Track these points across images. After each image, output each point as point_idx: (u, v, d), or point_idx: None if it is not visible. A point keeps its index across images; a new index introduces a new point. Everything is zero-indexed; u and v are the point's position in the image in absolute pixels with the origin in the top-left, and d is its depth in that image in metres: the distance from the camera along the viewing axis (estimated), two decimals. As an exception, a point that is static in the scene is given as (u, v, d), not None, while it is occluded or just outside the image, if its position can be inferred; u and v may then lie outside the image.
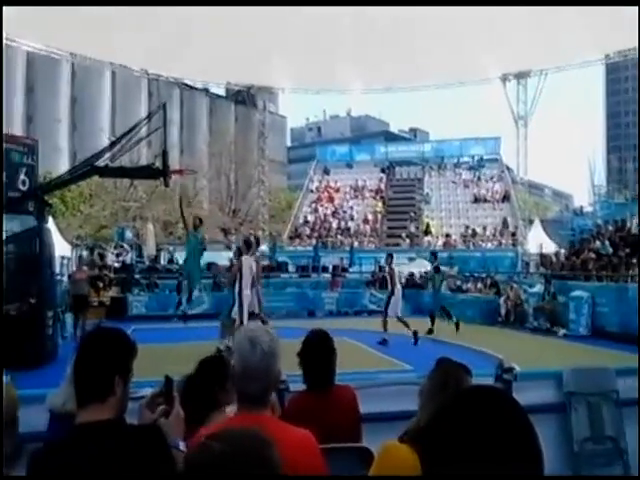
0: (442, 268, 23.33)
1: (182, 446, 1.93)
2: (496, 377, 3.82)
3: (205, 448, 1.12)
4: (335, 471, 2.12)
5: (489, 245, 28.61)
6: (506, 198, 31.71)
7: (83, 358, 1.89)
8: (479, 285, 19.50)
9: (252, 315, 9.64)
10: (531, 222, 30.06)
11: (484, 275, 20.14)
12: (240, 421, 1.86)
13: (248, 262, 9.99)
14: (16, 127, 40.14)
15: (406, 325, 12.39)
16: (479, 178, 33.72)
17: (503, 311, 16.72)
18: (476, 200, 32.37)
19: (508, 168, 34.70)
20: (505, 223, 29.78)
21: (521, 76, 30.75)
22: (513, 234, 29.00)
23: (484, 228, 30.03)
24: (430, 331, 13.78)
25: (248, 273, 9.80)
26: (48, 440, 2.00)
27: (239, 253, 10.56)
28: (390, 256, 13.34)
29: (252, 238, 12.98)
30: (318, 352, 2.84)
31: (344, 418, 2.79)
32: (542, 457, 1.15)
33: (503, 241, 28.85)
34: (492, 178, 33.56)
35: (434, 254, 16.82)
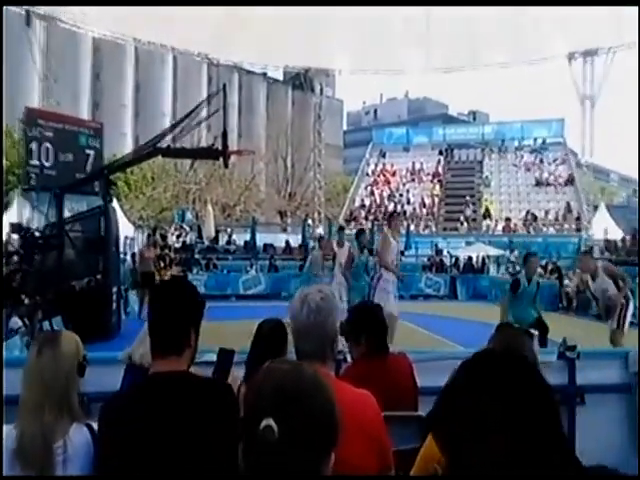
0: (501, 252, 22.91)
1: None
2: (559, 355, 3.72)
3: (272, 369, 1.15)
4: (393, 439, 2.12)
5: (551, 230, 27.74)
6: (570, 182, 30.59)
7: (160, 309, 1.92)
8: (540, 270, 18.93)
9: None
10: (596, 207, 28.90)
11: (545, 260, 19.55)
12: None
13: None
14: (83, 112, 41.62)
15: None
16: (542, 161, 32.66)
17: (565, 297, 16.21)
18: (538, 184, 31.39)
19: (572, 152, 33.41)
20: (568, 208, 28.77)
21: (588, 54, 29.39)
22: (577, 219, 27.99)
23: (546, 212, 29.12)
24: None
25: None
26: (124, 389, 2.07)
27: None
28: None
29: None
30: (374, 319, 2.84)
31: (402, 384, 2.79)
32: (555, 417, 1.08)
33: (566, 226, 27.90)
34: (555, 161, 32.43)
35: None
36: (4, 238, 10.64)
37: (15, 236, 10.84)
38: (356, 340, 2.83)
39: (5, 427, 2.00)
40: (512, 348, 2.21)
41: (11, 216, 16.45)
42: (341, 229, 12.71)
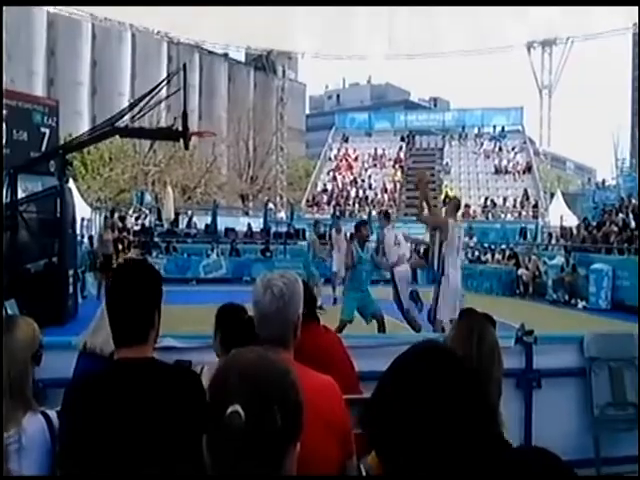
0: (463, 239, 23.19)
1: None
2: (516, 339, 3.80)
3: (237, 357, 1.14)
4: (355, 421, 2.12)
5: (509, 217, 28.35)
6: (528, 170, 31.25)
7: (121, 299, 1.84)
8: (497, 256, 19.35)
9: None
10: (552, 195, 29.64)
11: (503, 246, 19.99)
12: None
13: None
14: (38, 89, 40.19)
15: None
16: (500, 149, 33.23)
17: (522, 283, 16.61)
18: (497, 171, 31.96)
19: (531, 140, 34.11)
20: (526, 195, 29.41)
21: (547, 44, 29.95)
22: (534, 206, 28.65)
23: (504, 199, 29.70)
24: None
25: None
26: (88, 375, 2.01)
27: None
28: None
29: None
30: (308, 292, 3.02)
31: (334, 345, 2.99)
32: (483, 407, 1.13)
33: (524, 213, 28.54)
34: (514, 149, 33.03)
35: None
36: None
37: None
38: None
39: None
40: (475, 332, 2.24)
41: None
42: (337, 217, 12.66)
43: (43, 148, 12.75)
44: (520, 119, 34.33)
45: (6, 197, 9.52)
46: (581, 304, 14.30)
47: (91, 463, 1.70)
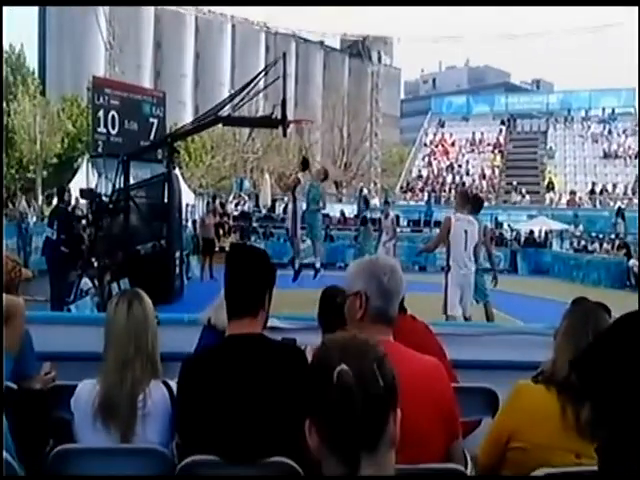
0: (565, 226, 22.12)
1: None
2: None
3: (333, 336, 1.23)
4: (462, 409, 2.09)
5: (619, 204, 26.60)
6: (641, 154, 29.14)
7: (237, 273, 1.96)
8: (606, 246, 18.24)
9: None
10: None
11: (613, 235, 18.82)
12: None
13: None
14: (145, 81, 42.36)
15: None
16: (610, 132, 31.20)
17: (633, 274, 15.58)
18: (606, 156, 30.08)
19: (644, 122, 31.74)
20: (638, 181, 27.46)
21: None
22: (647, 193, 26.72)
23: (614, 186, 27.90)
24: None
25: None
26: (203, 348, 2.14)
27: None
28: None
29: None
30: None
31: (426, 333, 2.82)
32: None
33: (635, 201, 26.68)
34: (625, 132, 30.89)
35: None
36: (72, 203, 11.04)
37: (83, 201, 11.26)
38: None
39: (83, 383, 2.07)
40: (591, 322, 2.12)
41: (79, 182, 17.13)
42: (386, 202, 12.30)
43: (152, 137, 13.45)
44: (632, 100, 32.06)
45: (118, 183, 10.12)
46: (701, 299, 13.21)
47: (205, 431, 1.80)
